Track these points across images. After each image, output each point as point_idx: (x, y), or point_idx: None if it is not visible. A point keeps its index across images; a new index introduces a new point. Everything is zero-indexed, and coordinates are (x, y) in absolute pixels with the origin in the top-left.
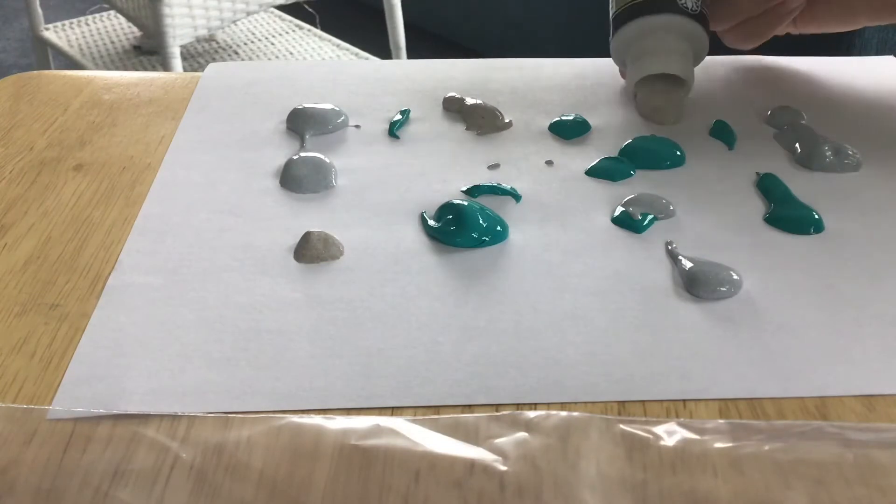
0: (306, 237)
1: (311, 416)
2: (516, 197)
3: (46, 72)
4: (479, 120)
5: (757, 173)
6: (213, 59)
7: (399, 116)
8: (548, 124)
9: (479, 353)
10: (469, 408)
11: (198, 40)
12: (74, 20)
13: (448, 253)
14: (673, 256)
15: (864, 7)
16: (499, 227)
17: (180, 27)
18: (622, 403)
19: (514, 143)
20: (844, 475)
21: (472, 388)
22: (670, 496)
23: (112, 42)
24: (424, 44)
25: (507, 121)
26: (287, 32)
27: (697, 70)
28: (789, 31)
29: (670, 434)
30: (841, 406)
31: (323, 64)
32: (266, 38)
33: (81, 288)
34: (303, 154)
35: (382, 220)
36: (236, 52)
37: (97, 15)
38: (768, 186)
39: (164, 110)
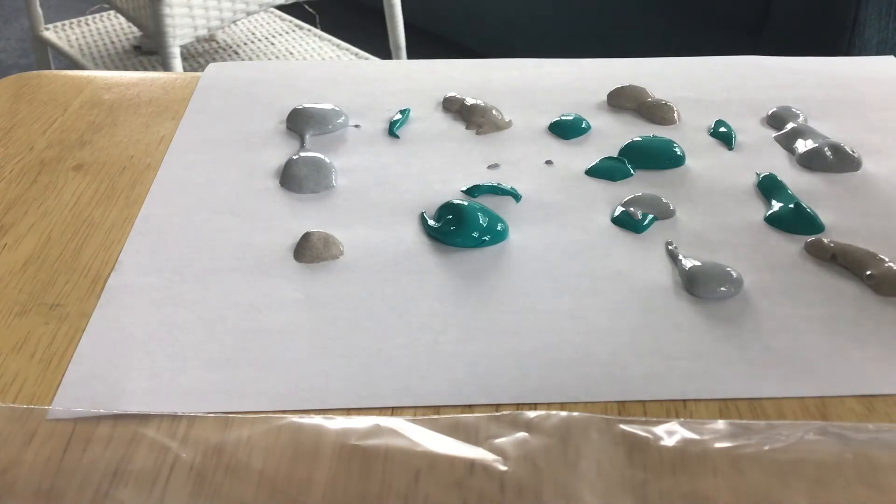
0: (306, 237)
1: (311, 416)
2: (516, 197)
3: (46, 72)
4: (479, 120)
5: (757, 173)
6: (213, 59)
7: (399, 116)
8: (548, 124)
9: (479, 353)
10: (469, 408)
11: (198, 40)
12: (74, 20)
13: (448, 253)
14: (673, 256)
15: None
16: (499, 227)
17: (180, 27)
18: (622, 403)
19: (514, 142)
20: (844, 475)
21: (472, 388)
22: (670, 496)
23: (112, 42)
24: (424, 44)
25: (507, 121)
26: (287, 32)
27: (698, 70)
28: None
29: (670, 434)
30: (841, 406)
31: (323, 64)
32: (266, 38)
33: (81, 288)
34: (303, 154)
35: (382, 220)
36: (236, 52)
37: (97, 15)
38: (768, 186)
39: (164, 110)
